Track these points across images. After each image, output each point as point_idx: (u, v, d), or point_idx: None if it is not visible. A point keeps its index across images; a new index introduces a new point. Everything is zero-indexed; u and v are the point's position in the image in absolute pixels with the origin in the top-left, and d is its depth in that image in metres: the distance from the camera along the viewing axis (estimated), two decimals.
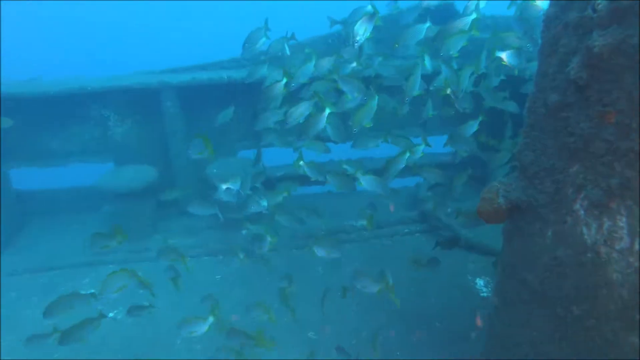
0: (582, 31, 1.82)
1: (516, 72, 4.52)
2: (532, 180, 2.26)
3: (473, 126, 4.42)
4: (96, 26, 36.09)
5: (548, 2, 2.12)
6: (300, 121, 4.09)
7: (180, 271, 4.42)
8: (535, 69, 2.23)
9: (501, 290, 2.75)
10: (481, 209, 2.52)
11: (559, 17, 1.97)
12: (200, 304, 4.30)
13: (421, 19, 5.69)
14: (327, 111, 3.96)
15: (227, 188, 4.30)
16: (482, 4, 4.61)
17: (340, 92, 4.64)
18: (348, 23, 4.38)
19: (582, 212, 1.95)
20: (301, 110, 4.07)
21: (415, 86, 4.13)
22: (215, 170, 5.90)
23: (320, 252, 4.22)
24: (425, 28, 4.22)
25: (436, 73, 4.93)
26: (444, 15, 5.88)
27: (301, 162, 4.47)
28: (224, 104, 5.74)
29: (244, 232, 6.15)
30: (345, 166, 4.86)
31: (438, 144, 6.67)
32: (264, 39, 4.93)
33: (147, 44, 35.73)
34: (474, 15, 3.80)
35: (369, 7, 4.35)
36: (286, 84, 4.38)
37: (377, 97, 4.04)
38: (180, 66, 6.37)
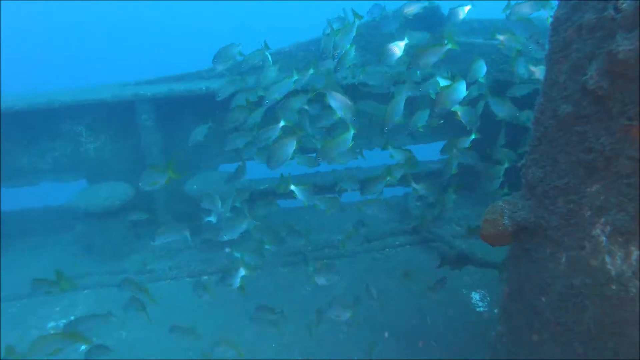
0: (600, 34, 1.61)
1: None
2: (542, 199, 2.04)
3: (465, 142, 4.22)
4: (96, 26, 36.02)
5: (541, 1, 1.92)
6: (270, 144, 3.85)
7: (144, 302, 4.03)
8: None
9: (507, 316, 2.52)
10: (485, 232, 2.28)
11: (570, 18, 1.76)
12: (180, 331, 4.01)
13: (408, 23, 5.52)
14: (295, 139, 3.72)
15: (207, 208, 4.00)
16: (466, 7, 4.46)
17: (324, 106, 4.40)
18: (325, 33, 4.15)
19: (603, 238, 1.73)
20: (270, 133, 3.83)
21: (395, 115, 3.81)
22: (195, 186, 5.60)
23: (320, 280, 4.00)
24: (404, 46, 3.93)
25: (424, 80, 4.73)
26: (430, 20, 5.72)
27: (292, 187, 4.23)
28: (203, 116, 5.46)
29: (227, 250, 5.85)
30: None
31: (426, 152, 6.51)
32: (236, 55, 4.67)
33: (145, 45, 35.27)
34: (449, 46, 3.56)
35: (349, 16, 4.12)
36: (257, 102, 4.15)
37: (352, 131, 3.72)
38: (157, 77, 6.06)
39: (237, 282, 3.81)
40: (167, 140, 5.90)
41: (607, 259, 1.72)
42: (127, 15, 37.32)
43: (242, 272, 3.82)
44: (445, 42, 3.54)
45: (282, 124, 3.98)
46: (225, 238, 3.87)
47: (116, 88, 5.63)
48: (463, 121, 4.00)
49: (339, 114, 3.75)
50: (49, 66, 32.16)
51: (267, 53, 4.91)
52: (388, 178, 4.05)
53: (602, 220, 1.72)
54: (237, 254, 4.36)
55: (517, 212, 2.17)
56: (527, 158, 2.11)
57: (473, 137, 4.39)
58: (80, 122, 5.62)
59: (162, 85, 5.69)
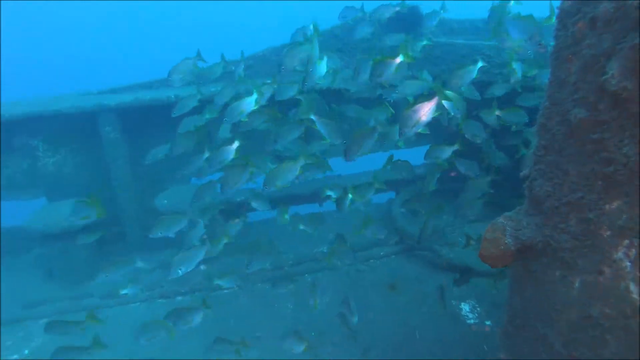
0: (619, 26, 1.37)
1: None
2: (550, 216, 1.79)
3: (447, 152, 4.07)
4: (97, 26, 35.70)
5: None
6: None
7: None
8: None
9: (510, 345, 2.26)
10: (485, 252, 2.02)
11: (581, 10, 1.52)
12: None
13: (386, 24, 5.30)
14: (250, 168, 3.55)
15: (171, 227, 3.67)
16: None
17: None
18: (288, 49, 3.86)
19: (627, 263, 1.49)
20: (224, 156, 3.65)
21: (366, 148, 3.57)
22: (165, 201, 5.23)
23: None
24: (370, 64, 3.74)
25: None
26: (409, 20, 5.51)
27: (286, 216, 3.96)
28: (173, 126, 5.09)
29: (202, 267, 5.50)
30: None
31: (411, 157, 6.29)
32: (193, 69, 4.37)
33: (145, 45, 34.79)
34: (401, 58, 3.44)
35: (311, 28, 3.90)
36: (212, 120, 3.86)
37: (301, 161, 3.53)
38: (121, 85, 5.68)
39: (196, 320, 3.50)
40: (135, 153, 5.51)
41: (632, 287, 1.48)
42: (126, 16, 37.33)
43: (200, 313, 3.52)
44: (400, 53, 3.40)
45: (236, 144, 3.78)
46: (180, 273, 3.54)
47: (76, 98, 5.22)
48: (467, 135, 3.86)
49: (329, 139, 3.59)
50: (49, 66, 31.76)
51: (237, 68, 4.55)
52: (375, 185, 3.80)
53: (626, 242, 1.48)
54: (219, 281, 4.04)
55: (521, 230, 1.93)
56: (531, 169, 1.86)
57: (456, 147, 4.23)
58: (35, 136, 5.18)
59: (127, 94, 5.31)
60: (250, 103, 3.85)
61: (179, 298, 5.28)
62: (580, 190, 1.63)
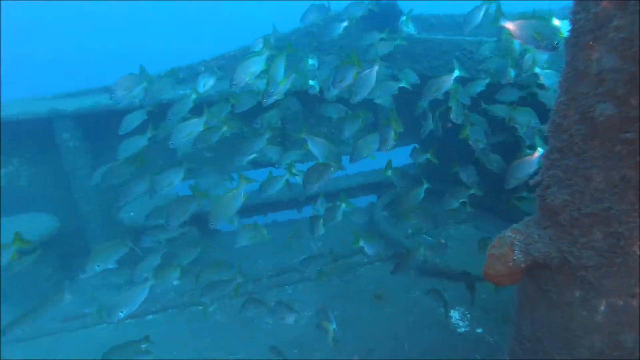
0: None
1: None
2: (569, 229, 1.55)
3: (422, 157, 3.98)
4: (96, 27, 35.78)
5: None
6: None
7: None
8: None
9: None
10: (490, 270, 1.77)
11: None
12: None
13: (362, 20, 5.05)
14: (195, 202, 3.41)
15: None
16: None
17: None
18: (239, 63, 3.61)
19: None
20: (170, 179, 3.57)
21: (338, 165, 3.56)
22: (132, 213, 4.85)
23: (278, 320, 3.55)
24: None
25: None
26: (387, 16, 5.28)
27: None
28: (138, 131, 4.71)
29: (175, 282, 5.13)
30: None
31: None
32: (140, 86, 4.02)
33: (146, 46, 34.46)
34: (357, 68, 3.46)
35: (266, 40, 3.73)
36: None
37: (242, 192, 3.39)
38: (80, 89, 5.26)
39: None
40: (98, 162, 5.10)
41: None
42: (127, 16, 37.43)
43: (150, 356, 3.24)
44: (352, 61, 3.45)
45: (183, 168, 3.70)
46: (121, 316, 3.26)
47: (28, 103, 4.78)
48: (470, 142, 3.82)
49: (321, 159, 3.46)
50: (48, 67, 31.81)
51: (194, 93, 4.17)
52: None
53: None
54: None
55: (532, 245, 1.68)
56: (543, 175, 1.62)
57: (428, 156, 4.29)
58: None
59: (86, 98, 4.90)
60: (197, 124, 3.69)
61: (150, 317, 4.90)
62: (607, 200, 1.39)
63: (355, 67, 3.47)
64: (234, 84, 3.49)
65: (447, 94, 3.95)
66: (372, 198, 6.80)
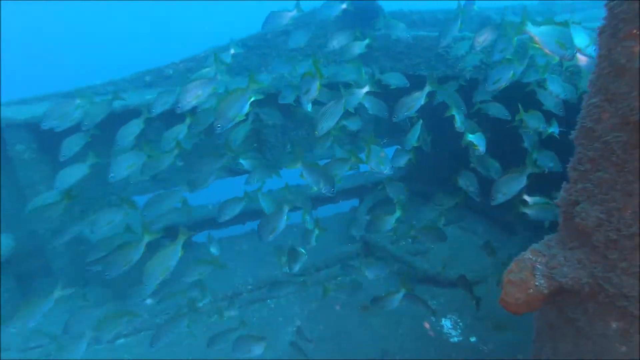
0: None
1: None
2: (603, 252, 1.33)
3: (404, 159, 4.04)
4: (97, 27, 35.64)
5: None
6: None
7: None
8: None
9: None
10: (508, 298, 1.53)
11: None
12: None
13: (342, 17, 4.79)
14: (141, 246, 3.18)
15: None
16: None
17: None
18: (183, 86, 3.40)
19: None
20: (113, 216, 3.41)
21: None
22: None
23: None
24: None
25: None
26: (368, 14, 5.03)
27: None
28: (103, 140, 4.33)
29: (147, 302, 4.77)
30: None
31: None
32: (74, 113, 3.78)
33: (147, 45, 34.33)
34: (321, 80, 3.48)
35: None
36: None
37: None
38: (36, 95, 4.82)
39: None
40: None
41: None
42: (127, 16, 37.35)
43: None
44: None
45: (124, 209, 3.52)
46: None
47: None
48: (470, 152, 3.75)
49: (315, 188, 3.39)
50: (49, 67, 31.28)
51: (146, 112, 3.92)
52: None
53: None
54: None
55: (557, 269, 1.45)
56: (569, 190, 1.39)
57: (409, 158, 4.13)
58: None
59: (42, 104, 4.47)
60: (139, 156, 3.63)
61: (121, 341, 4.53)
62: None
63: (317, 78, 3.43)
64: (178, 107, 3.30)
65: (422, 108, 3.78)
66: (354, 202, 6.57)
